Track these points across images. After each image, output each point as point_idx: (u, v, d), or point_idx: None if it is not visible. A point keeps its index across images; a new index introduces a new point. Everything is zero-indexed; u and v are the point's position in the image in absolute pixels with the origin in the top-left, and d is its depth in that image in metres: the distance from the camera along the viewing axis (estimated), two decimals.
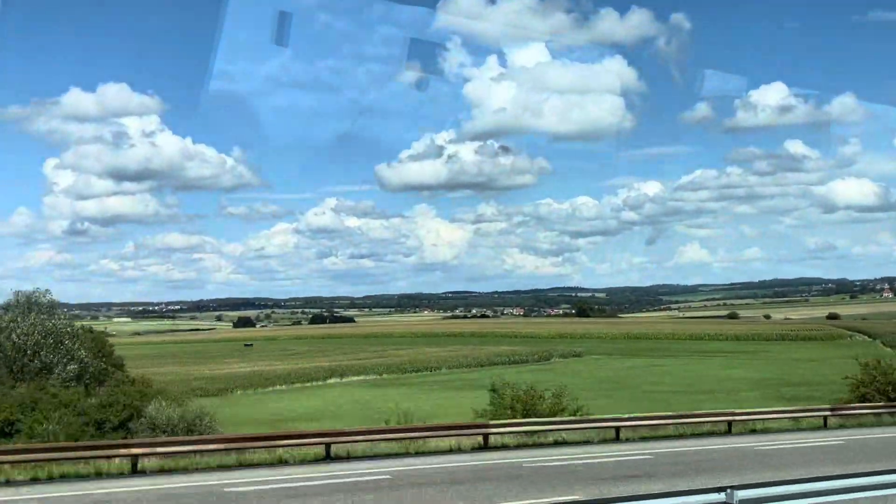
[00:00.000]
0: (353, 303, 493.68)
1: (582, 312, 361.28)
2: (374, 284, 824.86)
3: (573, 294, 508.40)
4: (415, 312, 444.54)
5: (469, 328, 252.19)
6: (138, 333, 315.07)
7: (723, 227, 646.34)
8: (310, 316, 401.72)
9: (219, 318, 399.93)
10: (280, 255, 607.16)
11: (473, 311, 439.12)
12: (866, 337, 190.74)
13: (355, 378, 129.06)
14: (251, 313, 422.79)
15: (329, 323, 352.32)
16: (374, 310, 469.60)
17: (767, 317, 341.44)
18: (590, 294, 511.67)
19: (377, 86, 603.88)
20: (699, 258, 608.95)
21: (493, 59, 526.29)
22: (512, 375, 64.30)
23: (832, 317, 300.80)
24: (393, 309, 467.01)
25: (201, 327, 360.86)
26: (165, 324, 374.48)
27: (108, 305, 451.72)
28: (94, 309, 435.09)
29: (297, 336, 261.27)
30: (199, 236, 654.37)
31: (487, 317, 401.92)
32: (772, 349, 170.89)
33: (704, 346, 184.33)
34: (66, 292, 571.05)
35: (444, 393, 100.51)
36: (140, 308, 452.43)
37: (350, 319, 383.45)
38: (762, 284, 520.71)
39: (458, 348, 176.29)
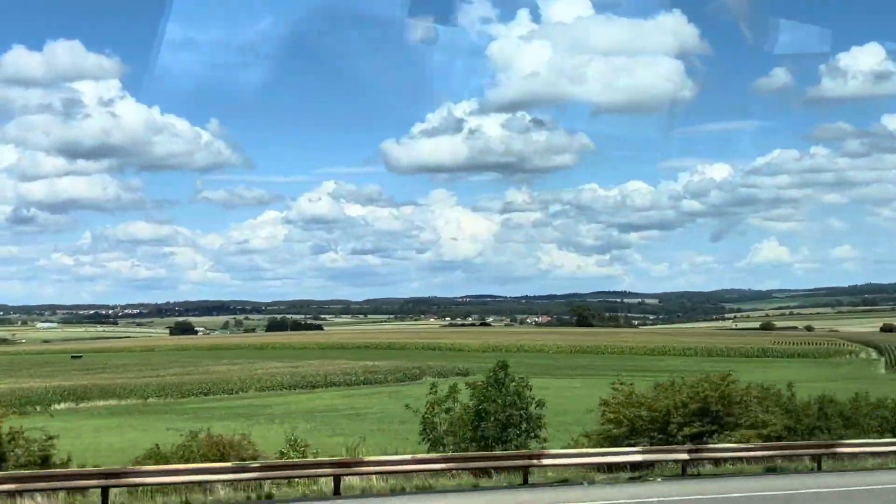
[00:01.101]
0: (348, 308, 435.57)
1: (583, 320, 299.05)
2: (380, 286, 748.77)
3: (618, 300, 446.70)
4: (415, 320, 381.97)
5: (404, 338, 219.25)
6: (47, 341, 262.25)
7: (806, 220, 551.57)
8: (266, 323, 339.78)
9: (173, 327, 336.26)
10: (268, 250, 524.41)
11: (491, 319, 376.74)
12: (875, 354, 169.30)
13: (99, 403, 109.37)
14: (220, 320, 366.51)
15: (290, 331, 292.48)
16: (369, 317, 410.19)
17: (810, 328, 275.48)
18: (638, 301, 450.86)
19: (380, 43, 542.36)
20: (777, 258, 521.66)
21: (523, 14, 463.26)
22: (307, 401, 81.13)
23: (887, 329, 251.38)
24: (393, 316, 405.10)
25: (128, 335, 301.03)
26: (98, 331, 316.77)
27: (55, 308, 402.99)
28: (35, 312, 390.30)
29: (181, 347, 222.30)
30: (169, 226, 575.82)
31: (487, 324, 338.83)
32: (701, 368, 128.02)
33: (643, 363, 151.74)
34: (10, 292, 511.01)
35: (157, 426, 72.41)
36: (91, 312, 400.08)
37: (318, 327, 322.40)
38: (852, 290, 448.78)
39: (310, 363, 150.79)
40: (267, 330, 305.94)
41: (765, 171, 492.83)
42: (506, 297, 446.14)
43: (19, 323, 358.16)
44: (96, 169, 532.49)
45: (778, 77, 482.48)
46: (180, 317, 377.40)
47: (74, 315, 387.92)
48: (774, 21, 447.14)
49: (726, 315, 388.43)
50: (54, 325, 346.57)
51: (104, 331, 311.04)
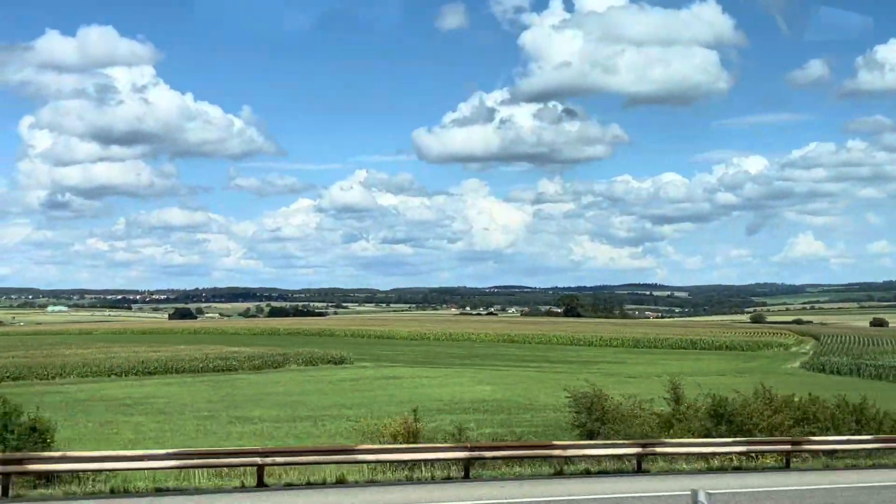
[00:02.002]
0: (373, 297, 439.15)
1: (571, 310, 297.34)
2: (411, 276, 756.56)
3: (647, 293, 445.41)
4: (434, 309, 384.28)
5: (375, 326, 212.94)
6: (39, 324, 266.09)
7: (843, 215, 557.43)
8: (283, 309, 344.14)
9: (172, 312, 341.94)
10: (300, 238, 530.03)
11: (513, 309, 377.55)
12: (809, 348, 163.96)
13: None
14: (241, 306, 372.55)
15: (292, 317, 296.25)
16: (392, 305, 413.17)
17: (800, 321, 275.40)
18: (668, 293, 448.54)
19: (412, 32, 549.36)
20: (813, 252, 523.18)
21: (556, 3, 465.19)
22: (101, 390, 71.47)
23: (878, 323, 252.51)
24: (415, 305, 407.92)
25: (125, 319, 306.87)
26: (105, 315, 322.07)
27: (83, 293, 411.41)
28: (64, 296, 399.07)
29: (120, 331, 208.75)
30: (202, 213, 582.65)
31: (494, 314, 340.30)
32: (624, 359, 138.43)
33: (552, 353, 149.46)
34: (46, 277, 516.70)
35: None
36: (119, 297, 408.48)
37: (321, 314, 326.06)
38: (886, 286, 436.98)
39: (180, 348, 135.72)
40: (268, 316, 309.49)
41: (800, 164, 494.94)
42: (534, 289, 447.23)
43: (37, 306, 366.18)
44: (130, 155, 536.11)
45: (814, 69, 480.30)
46: (207, 303, 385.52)
47: (102, 300, 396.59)
48: (812, 10, 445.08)
49: (745, 309, 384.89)
50: (64, 308, 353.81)
51: (110, 315, 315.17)
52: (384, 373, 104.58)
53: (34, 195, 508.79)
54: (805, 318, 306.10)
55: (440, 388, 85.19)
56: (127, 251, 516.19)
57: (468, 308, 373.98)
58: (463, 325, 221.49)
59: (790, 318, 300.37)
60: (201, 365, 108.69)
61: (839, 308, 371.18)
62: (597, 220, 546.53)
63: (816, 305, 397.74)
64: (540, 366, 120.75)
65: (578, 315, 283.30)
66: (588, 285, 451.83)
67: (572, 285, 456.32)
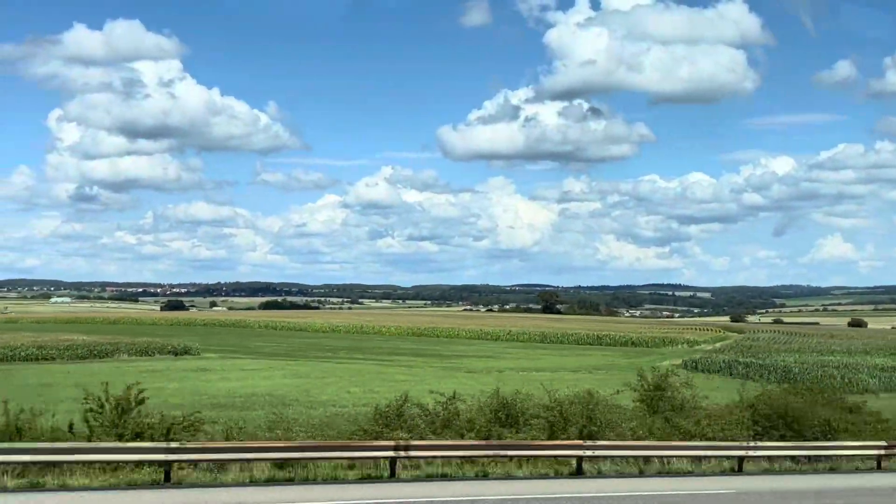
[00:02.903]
0: (392, 293, 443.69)
1: (549, 308, 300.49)
2: (437, 273, 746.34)
3: (669, 293, 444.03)
4: (448, 306, 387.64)
5: (346, 320, 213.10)
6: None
7: (872, 217, 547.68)
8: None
9: (164, 304, 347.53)
10: (326, 234, 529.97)
11: (510, 306, 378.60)
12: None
13: None
14: (257, 301, 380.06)
15: (281, 310, 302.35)
16: (408, 302, 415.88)
17: (778, 321, 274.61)
18: (690, 294, 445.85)
19: (438, 28, 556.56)
20: (841, 254, 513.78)
21: (582, 1, 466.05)
22: None
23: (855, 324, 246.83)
24: (431, 302, 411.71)
25: (121, 310, 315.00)
26: (105, 307, 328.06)
27: (105, 286, 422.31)
28: (85, 289, 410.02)
29: (43, 320, 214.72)
30: (229, 207, 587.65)
31: (492, 310, 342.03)
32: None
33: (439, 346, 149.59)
34: (74, 269, 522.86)
35: None
36: (140, 290, 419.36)
37: (315, 307, 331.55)
38: None
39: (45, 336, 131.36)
40: (262, 308, 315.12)
41: (829, 165, 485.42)
42: (556, 287, 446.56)
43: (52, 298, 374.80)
44: (157, 149, 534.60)
45: (841, 69, 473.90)
46: (227, 297, 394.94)
47: (123, 292, 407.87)
48: (839, 9, 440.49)
49: (757, 310, 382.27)
50: (67, 300, 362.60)
51: (109, 307, 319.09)
52: (201, 364, 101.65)
53: (63, 188, 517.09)
54: (808, 319, 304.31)
55: (231, 381, 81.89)
56: (154, 244, 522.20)
57: (481, 306, 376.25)
58: (404, 318, 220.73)
59: (790, 319, 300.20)
60: (11, 354, 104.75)
61: (853, 310, 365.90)
62: (623, 219, 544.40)
63: (838, 307, 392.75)
64: (395, 359, 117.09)
65: (558, 312, 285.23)
66: (611, 284, 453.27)
67: (595, 284, 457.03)
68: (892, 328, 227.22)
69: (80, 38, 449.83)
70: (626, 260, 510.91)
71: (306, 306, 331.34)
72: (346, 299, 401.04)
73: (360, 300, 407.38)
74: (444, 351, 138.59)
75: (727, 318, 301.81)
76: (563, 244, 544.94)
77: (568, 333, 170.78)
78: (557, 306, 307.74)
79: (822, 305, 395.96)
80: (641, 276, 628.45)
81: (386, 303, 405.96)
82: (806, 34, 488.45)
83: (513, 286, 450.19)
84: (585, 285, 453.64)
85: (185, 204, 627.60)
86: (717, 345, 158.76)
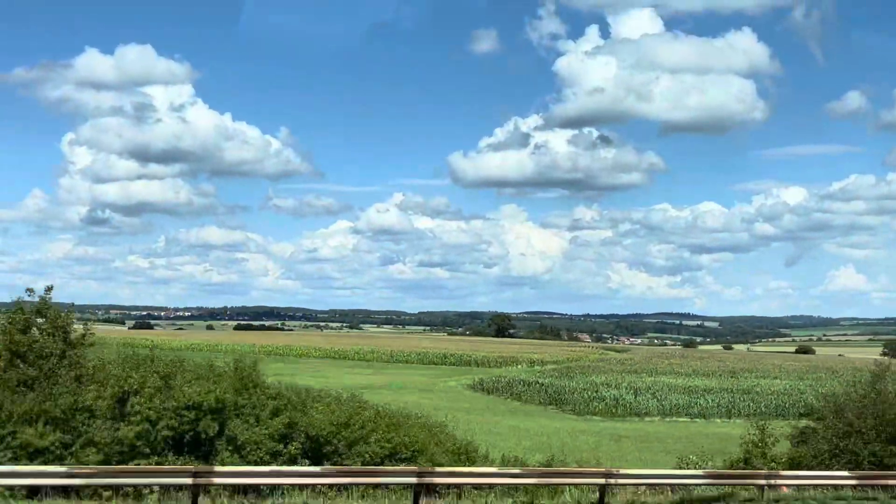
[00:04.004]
0: (393, 318, 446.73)
1: (501, 331, 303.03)
2: (447, 299, 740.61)
3: (676, 322, 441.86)
4: (449, 333, 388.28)
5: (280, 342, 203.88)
6: None
7: (884, 248, 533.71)
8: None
9: (133, 325, 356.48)
10: (337, 260, 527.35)
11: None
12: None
13: None
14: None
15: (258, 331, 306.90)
16: (407, 327, 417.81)
17: (728, 348, 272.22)
18: (697, 323, 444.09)
19: (449, 56, 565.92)
20: (854, 286, 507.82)
21: (592, 31, 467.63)
22: None
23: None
24: (427, 328, 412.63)
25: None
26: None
27: (108, 308, 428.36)
28: (87, 311, 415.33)
29: None
30: (241, 232, 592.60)
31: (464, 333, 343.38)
32: None
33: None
34: (86, 292, 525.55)
35: None
36: (144, 313, 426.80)
37: (285, 329, 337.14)
38: None
39: None
40: (235, 329, 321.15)
41: (840, 196, 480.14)
42: (564, 315, 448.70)
43: None
44: (168, 173, 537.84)
45: (852, 100, 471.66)
46: (231, 321, 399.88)
47: (127, 315, 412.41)
48: (849, 40, 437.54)
49: (759, 340, 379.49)
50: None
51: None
52: None
53: (75, 211, 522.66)
54: (782, 349, 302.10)
55: None
56: (167, 269, 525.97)
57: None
58: (343, 341, 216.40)
59: (764, 348, 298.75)
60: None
61: (847, 340, 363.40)
62: (634, 248, 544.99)
63: (843, 338, 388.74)
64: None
65: (509, 336, 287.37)
66: (620, 313, 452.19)
67: (605, 312, 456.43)
68: (839, 355, 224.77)
69: (92, 62, 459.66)
70: (638, 289, 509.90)
71: (277, 328, 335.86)
72: (345, 324, 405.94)
73: (361, 325, 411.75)
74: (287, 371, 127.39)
75: (719, 347, 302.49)
76: (574, 272, 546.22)
77: (418, 352, 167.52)
78: (510, 330, 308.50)
79: (823, 335, 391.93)
80: (652, 304, 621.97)
81: (387, 328, 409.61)
82: (815, 64, 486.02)
83: (521, 313, 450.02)
84: (595, 313, 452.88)
85: (198, 228, 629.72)
86: (552, 366, 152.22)
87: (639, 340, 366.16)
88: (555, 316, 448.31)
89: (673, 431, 70.90)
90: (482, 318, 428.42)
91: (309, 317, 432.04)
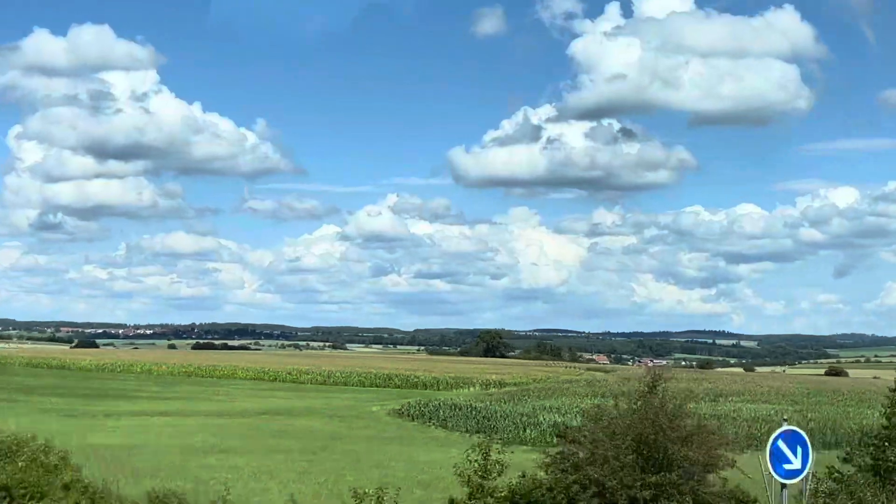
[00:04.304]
0: (387, 337, 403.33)
1: (490, 350, 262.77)
2: (450, 315, 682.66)
3: (708, 341, 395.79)
4: (445, 353, 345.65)
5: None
6: None
7: None
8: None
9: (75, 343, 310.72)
10: (323, 270, 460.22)
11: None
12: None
13: None
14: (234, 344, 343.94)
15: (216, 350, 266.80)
16: (398, 347, 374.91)
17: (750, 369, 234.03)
18: (733, 342, 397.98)
19: (448, 39, 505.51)
20: None
21: (613, 8, 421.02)
22: None
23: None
24: (422, 347, 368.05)
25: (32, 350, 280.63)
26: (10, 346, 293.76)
27: (59, 325, 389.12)
28: (36, 329, 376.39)
29: None
30: (212, 238, 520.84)
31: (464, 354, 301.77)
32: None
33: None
34: (37, 308, 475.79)
35: None
36: (100, 331, 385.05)
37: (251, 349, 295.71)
38: None
39: None
40: (194, 348, 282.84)
41: None
42: (580, 333, 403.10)
43: None
44: (129, 171, 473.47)
45: None
46: (200, 339, 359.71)
47: (79, 333, 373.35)
48: None
49: (801, 361, 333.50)
50: None
51: (16, 347, 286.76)
52: None
53: (23, 214, 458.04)
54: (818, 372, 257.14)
55: None
56: (128, 280, 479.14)
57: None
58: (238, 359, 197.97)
59: (799, 371, 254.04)
60: None
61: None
62: (662, 256, 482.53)
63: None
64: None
65: (500, 355, 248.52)
66: (645, 331, 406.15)
67: (627, 330, 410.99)
68: (874, 378, 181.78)
69: (42, 44, 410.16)
70: (667, 303, 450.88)
71: (247, 348, 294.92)
72: (327, 343, 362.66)
73: (347, 345, 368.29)
74: (144, 392, 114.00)
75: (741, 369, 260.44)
76: (593, 284, 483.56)
77: (360, 373, 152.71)
78: (501, 349, 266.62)
79: (875, 356, 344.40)
80: (683, 321, 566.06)
81: (376, 347, 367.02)
82: (867, 46, 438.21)
83: (531, 331, 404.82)
84: (616, 331, 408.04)
85: (163, 234, 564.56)
86: (512, 388, 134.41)
87: (664, 362, 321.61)
88: (570, 334, 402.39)
89: None
90: (489, 336, 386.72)
91: (288, 335, 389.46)
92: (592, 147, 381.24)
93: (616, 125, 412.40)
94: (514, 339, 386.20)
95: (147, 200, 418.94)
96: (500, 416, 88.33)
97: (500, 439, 78.04)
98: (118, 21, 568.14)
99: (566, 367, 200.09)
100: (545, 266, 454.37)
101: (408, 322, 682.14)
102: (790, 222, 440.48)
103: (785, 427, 19.89)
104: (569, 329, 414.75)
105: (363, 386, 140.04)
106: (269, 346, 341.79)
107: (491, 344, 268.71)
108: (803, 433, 20.52)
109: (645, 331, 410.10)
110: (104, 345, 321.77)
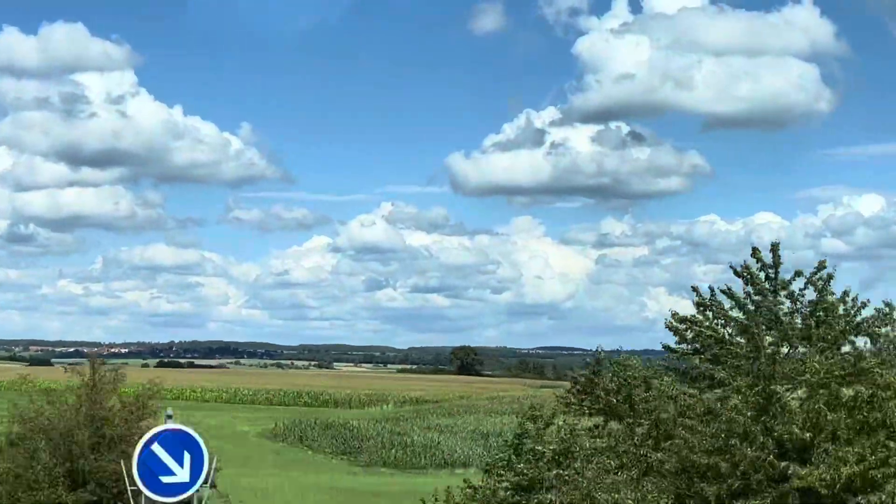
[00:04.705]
0: (379, 356, 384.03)
1: (466, 367, 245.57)
2: (450, 333, 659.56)
3: None
4: (435, 373, 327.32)
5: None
6: None
7: None
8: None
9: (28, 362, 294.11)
10: (314, 284, 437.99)
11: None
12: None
13: None
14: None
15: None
16: (388, 366, 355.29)
17: None
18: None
19: (444, 35, 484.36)
20: None
21: (621, 4, 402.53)
22: None
23: None
24: (414, 365, 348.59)
25: None
26: None
27: (28, 344, 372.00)
28: (3, 348, 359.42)
29: None
30: (195, 250, 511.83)
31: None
32: None
33: None
34: (7, 325, 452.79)
35: None
36: (72, 350, 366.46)
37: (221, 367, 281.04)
38: None
39: None
40: (156, 366, 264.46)
41: None
42: (587, 351, 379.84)
43: None
44: (105, 179, 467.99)
45: None
46: (180, 358, 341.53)
47: (49, 352, 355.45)
48: None
49: None
50: None
51: None
52: None
53: None
54: None
55: None
56: (105, 296, 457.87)
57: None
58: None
59: None
60: None
61: None
62: (675, 269, 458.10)
63: None
64: None
65: (475, 373, 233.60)
66: (657, 348, 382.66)
67: (638, 348, 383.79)
68: None
69: (11, 44, 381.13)
70: None
71: (221, 367, 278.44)
72: (312, 362, 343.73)
73: (334, 364, 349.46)
74: None
75: None
76: (602, 299, 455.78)
77: (268, 391, 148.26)
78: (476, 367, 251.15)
79: None
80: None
81: (366, 367, 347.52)
82: (892, 43, 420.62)
83: (535, 349, 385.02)
84: (627, 348, 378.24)
85: (142, 247, 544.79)
86: (429, 405, 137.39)
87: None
88: (575, 352, 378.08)
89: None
90: (488, 354, 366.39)
91: (273, 353, 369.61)
92: (599, 152, 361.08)
93: (625, 128, 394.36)
94: (515, 358, 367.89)
95: (125, 210, 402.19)
96: (372, 436, 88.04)
97: (365, 461, 77.69)
98: (92, 19, 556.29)
99: (531, 386, 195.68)
100: (550, 279, 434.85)
101: (404, 340, 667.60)
102: (812, 232, 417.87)
103: (167, 426, 16.05)
104: (574, 346, 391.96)
105: (270, 404, 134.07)
106: (251, 365, 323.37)
107: (465, 361, 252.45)
108: (194, 433, 16.37)
109: (657, 348, 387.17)
110: (74, 364, 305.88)
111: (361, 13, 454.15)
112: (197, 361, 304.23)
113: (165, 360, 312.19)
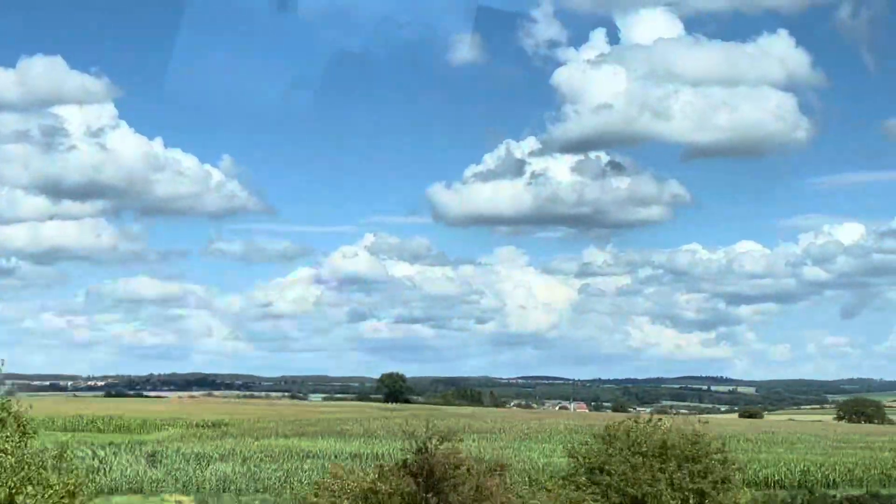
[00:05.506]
0: (357, 386, 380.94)
1: (393, 395, 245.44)
2: (434, 363, 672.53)
3: (703, 388, 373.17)
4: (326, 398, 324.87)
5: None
6: None
7: None
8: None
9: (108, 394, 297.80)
10: (297, 316, 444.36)
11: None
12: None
13: None
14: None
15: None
16: (372, 396, 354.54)
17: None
18: (729, 389, 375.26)
19: (424, 66, 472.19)
20: None
21: (598, 35, 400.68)
22: None
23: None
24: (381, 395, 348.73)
25: None
26: None
27: (5, 378, 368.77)
28: None
29: None
30: (177, 283, 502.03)
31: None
32: None
33: None
34: None
35: None
36: (47, 383, 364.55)
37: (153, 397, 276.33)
38: None
39: None
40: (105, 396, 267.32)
41: None
42: (568, 380, 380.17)
43: None
44: (87, 212, 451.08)
45: None
46: (153, 391, 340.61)
47: (27, 387, 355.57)
48: None
49: (798, 407, 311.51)
50: None
51: None
52: None
53: None
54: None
55: None
56: (89, 329, 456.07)
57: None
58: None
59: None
60: None
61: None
62: (658, 297, 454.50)
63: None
64: None
65: (400, 400, 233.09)
66: (639, 377, 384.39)
67: (619, 377, 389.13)
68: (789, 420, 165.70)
69: None
70: (665, 347, 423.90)
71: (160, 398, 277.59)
72: (286, 393, 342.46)
73: (310, 395, 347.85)
74: None
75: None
76: (586, 328, 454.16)
77: (90, 416, 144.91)
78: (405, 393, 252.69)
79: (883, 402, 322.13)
80: (682, 367, 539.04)
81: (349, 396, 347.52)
82: (867, 73, 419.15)
83: (517, 378, 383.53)
84: (608, 377, 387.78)
85: (125, 279, 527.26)
86: (228, 429, 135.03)
87: (647, 410, 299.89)
88: (557, 381, 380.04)
89: None
90: (470, 384, 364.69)
91: (251, 385, 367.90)
92: (580, 182, 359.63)
93: (604, 158, 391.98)
94: (496, 388, 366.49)
95: (107, 243, 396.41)
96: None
97: None
98: (71, 52, 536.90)
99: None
100: (534, 309, 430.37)
101: (388, 369, 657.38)
102: (792, 261, 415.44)
103: None
104: (556, 376, 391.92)
105: (78, 430, 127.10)
106: (225, 396, 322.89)
107: (392, 388, 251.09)
108: None
109: (639, 377, 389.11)
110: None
111: (342, 49, 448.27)
112: (167, 394, 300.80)
113: (113, 391, 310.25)
